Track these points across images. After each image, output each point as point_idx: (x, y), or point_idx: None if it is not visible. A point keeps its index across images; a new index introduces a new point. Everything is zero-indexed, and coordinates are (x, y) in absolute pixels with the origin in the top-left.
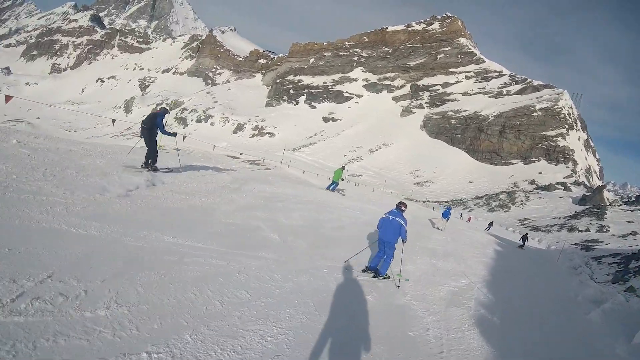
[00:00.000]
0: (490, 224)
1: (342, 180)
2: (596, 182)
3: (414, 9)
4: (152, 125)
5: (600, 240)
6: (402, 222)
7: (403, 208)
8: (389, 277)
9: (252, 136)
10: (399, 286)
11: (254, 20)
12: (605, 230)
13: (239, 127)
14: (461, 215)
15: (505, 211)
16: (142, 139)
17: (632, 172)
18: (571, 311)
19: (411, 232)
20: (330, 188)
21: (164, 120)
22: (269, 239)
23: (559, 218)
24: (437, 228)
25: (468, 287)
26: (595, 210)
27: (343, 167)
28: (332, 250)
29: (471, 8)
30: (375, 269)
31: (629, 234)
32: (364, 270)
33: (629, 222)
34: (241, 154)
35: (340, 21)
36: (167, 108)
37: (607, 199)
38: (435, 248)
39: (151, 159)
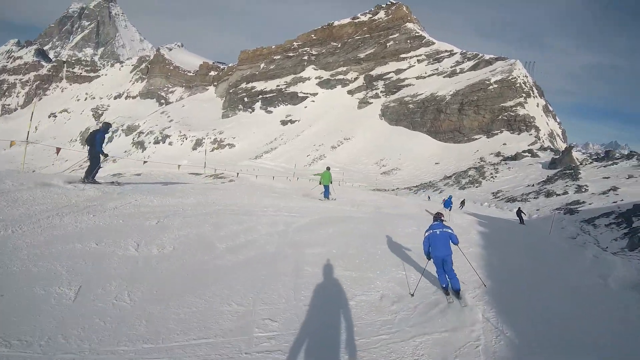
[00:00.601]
0: (463, 202)
1: (332, 183)
2: (560, 145)
3: (357, 0)
4: (92, 142)
5: (582, 201)
6: (450, 230)
7: (443, 218)
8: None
9: (212, 150)
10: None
11: (200, 33)
12: (584, 189)
13: (198, 143)
14: (429, 197)
15: (476, 187)
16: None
17: (591, 133)
18: (615, 309)
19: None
20: (325, 196)
21: (106, 136)
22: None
23: (533, 185)
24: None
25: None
26: (568, 171)
27: (328, 168)
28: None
29: None
30: (453, 288)
31: (609, 190)
32: (444, 293)
33: (605, 177)
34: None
35: (286, 22)
36: (110, 123)
37: (577, 159)
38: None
39: (90, 173)
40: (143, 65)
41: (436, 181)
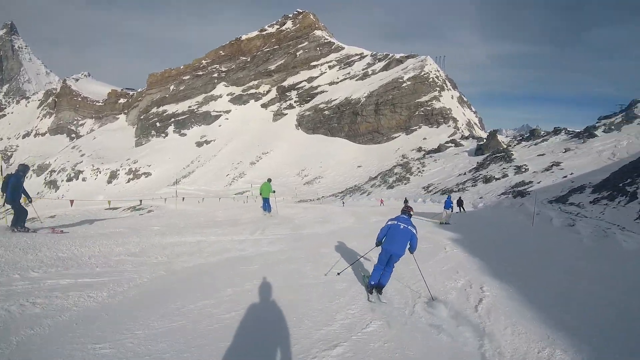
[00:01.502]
0: (460, 202)
1: (274, 192)
2: (480, 133)
3: (264, 12)
4: (5, 189)
5: (527, 181)
6: (414, 230)
7: (412, 212)
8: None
9: (128, 181)
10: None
11: (107, 61)
12: (524, 169)
13: (113, 175)
14: (343, 203)
15: (405, 183)
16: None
17: (503, 119)
18: None
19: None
20: (265, 209)
21: (24, 178)
22: None
23: (464, 174)
24: (444, 223)
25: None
26: (499, 154)
27: (269, 180)
28: None
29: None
30: (378, 284)
31: (551, 166)
32: (369, 291)
33: (540, 155)
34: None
35: (194, 41)
36: (27, 165)
37: (503, 142)
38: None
39: (16, 222)
40: (50, 100)
41: (362, 184)
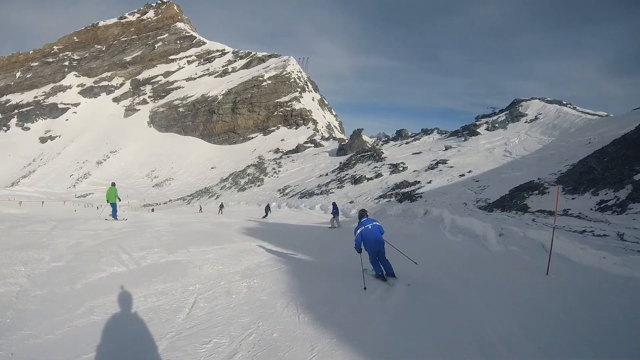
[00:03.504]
0: (267, 209)
1: (119, 200)
2: (339, 135)
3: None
4: None
5: (413, 181)
6: (377, 223)
7: (368, 213)
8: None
9: None
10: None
11: None
12: (401, 168)
13: None
14: (200, 208)
15: (259, 185)
16: None
17: (360, 126)
18: None
19: None
20: (113, 215)
21: None
22: None
23: (327, 174)
24: (333, 227)
25: None
26: (367, 153)
27: (113, 184)
28: None
29: None
30: (389, 273)
31: (436, 164)
32: (382, 280)
33: (416, 153)
34: None
35: (48, 24)
36: None
37: (367, 143)
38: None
39: None
40: None
41: (212, 186)
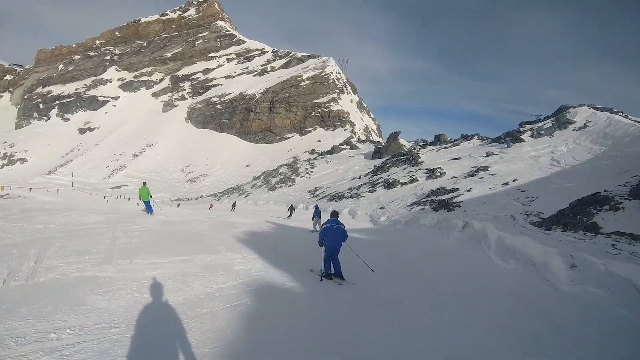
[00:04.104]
0: (234, 205)
1: (152, 197)
2: (377, 139)
3: None
4: None
5: (450, 188)
6: (342, 227)
7: (338, 214)
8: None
9: (2, 167)
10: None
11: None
12: (439, 174)
13: None
14: (233, 205)
15: (289, 185)
16: None
17: (398, 131)
18: None
19: None
20: (148, 210)
21: None
22: None
23: (360, 177)
24: (315, 231)
25: None
26: (403, 157)
27: (144, 184)
28: None
29: None
30: (337, 271)
31: (477, 170)
32: (327, 278)
33: (455, 159)
34: None
35: (89, 17)
36: None
37: (405, 146)
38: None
39: None
40: None
41: (243, 184)
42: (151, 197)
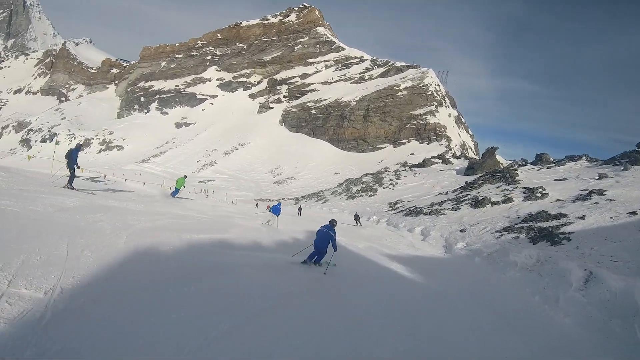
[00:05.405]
0: (357, 217)
1: (184, 187)
2: (473, 156)
3: (270, 2)
4: (69, 157)
5: (556, 213)
6: (332, 233)
7: (334, 223)
8: (320, 265)
9: (100, 151)
10: (325, 273)
11: (111, 30)
12: (539, 194)
13: (86, 144)
14: (299, 210)
15: (370, 195)
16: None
17: (498, 151)
18: None
19: None
20: (173, 195)
21: (80, 152)
22: None
23: (447, 193)
24: (267, 223)
25: None
26: (499, 173)
27: (185, 177)
28: None
29: None
30: (315, 261)
31: (589, 194)
32: (303, 262)
33: (559, 179)
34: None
35: (193, 19)
36: (81, 143)
37: (501, 163)
38: None
39: (69, 181)
40: (48, 60)
41: (324, 190)
42: (184, 187)
